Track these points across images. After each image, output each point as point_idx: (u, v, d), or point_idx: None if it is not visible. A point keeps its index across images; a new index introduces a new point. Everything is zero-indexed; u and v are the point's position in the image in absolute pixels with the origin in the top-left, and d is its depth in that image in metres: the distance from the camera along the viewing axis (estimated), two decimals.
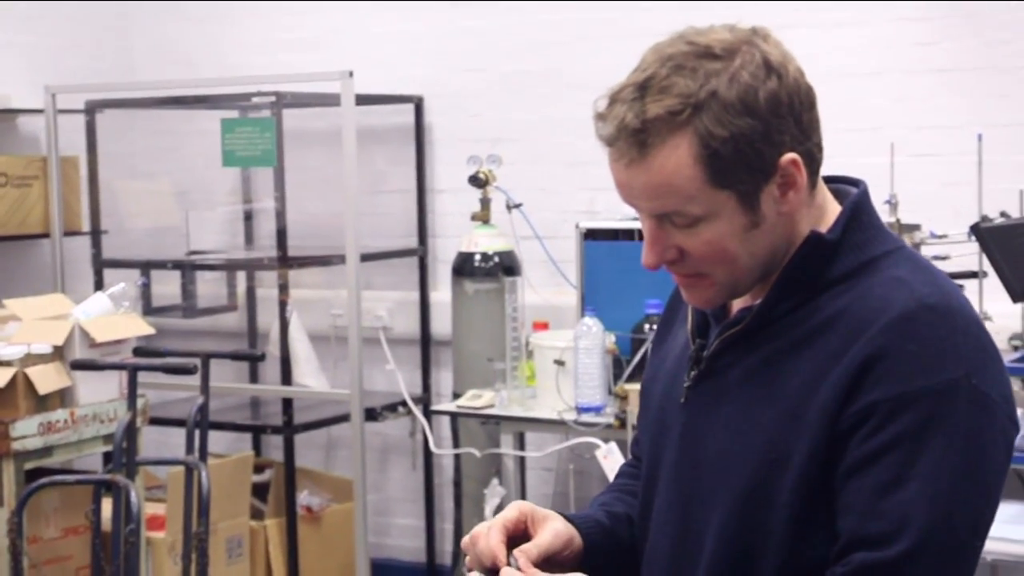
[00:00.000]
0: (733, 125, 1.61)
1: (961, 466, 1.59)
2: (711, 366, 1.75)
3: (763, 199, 1.65)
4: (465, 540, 1.78)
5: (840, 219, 1.71)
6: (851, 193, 1.75)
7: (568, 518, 1.83)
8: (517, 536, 1.78)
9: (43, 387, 4.30)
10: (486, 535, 1.75)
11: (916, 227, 4.17)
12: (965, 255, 4.07)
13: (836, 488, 1.62)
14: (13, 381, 4.24)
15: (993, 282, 3.95)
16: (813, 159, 1.68)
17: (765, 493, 1.65)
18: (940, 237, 4.18)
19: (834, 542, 1.62)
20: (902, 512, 1.57)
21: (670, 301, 1.96)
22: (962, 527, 1.60)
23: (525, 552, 1.74)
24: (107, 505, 4.36)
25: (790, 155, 1.64)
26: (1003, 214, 4.07)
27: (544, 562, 1.75)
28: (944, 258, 4.05)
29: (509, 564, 1.73)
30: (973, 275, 4.01)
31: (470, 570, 1.78)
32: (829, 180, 1.77)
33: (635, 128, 1.62)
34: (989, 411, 1.62)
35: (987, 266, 3.98)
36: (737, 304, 1.77)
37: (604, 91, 1.67)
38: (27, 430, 4.25)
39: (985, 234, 3.83)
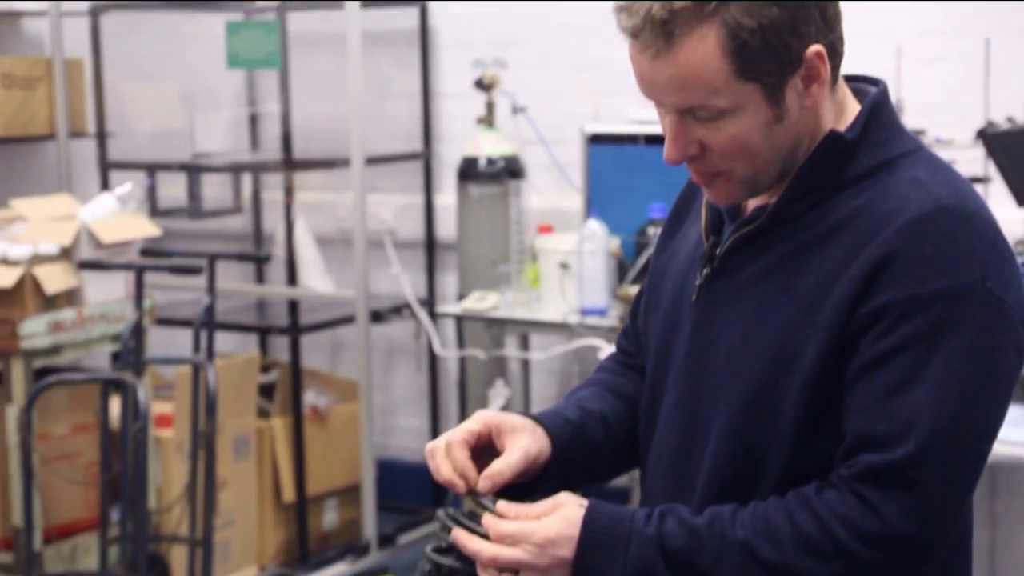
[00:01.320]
0: (761, 15, 1.59)
1: (971, 370, 1.59)
2: (724, 264, 1.74)
3: (787, 92, 1.63)
4: (429, 447, 1.76)
5: (859, 118, 1.70)
6: (870, 92, 1.73)
7: (536, 419, 1.82)
8: (480, 448, 1.76)
9: (51, 287, 4.32)
10: (448, 452, 1.73)
11: (922, 132, 4.17)
12: (971, 160, 4.07)
13: (845, 389, 1.62)
14: (21, 281, 4.27)
15: (998, 187, 3.97)
16: (836, 52, 1.67)
17: (774, 392, 1.65)
18: (946, 142, 4.18)
19: (840, 443, 1.62)
20: (909, 414, 1.57)
21: (680, 196, 1.93)
22: (969, 431, 1.60)
23: (493, 477, 1.71)
24: (115, 404, 4.41)
25: (815, 47, 1.63)
26: (1009, 120, 4.07)
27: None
28: (950, 163, 4.05)
29: (476, 488, 1.71)
30: (979, 180, 4.01)
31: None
32: (848, 79, 1.75)
33: (662, 19, 1.59)
34: (1003, 316, 1.61)
35: (993, 171, 3.99)
36: (752, 202, 1.75)
37: None
38: (35, 329, 4.28)
39: (991, 140, 3.83)
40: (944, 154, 4.04)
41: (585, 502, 1.67)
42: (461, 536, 1.67)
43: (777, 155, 1.67)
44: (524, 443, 1.77)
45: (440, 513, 1.71)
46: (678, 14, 1.59)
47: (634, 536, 1.64)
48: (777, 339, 1.66)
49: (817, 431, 1.64)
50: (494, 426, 1.77)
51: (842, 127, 1.69)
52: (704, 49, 1.60)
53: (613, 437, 1.89)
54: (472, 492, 1.73)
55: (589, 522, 1.65)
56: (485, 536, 1.66)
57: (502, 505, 1.68)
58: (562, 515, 1.65)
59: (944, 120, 4.35)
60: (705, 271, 1.76)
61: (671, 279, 1.85)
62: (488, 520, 1.66)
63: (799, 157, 1.69)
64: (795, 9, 1.61)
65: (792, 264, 1.67)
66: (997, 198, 3.95)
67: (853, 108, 1.72)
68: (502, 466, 1.73)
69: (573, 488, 1.85)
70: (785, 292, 1.67)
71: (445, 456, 1.74)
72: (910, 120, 4.23)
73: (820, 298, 1.63)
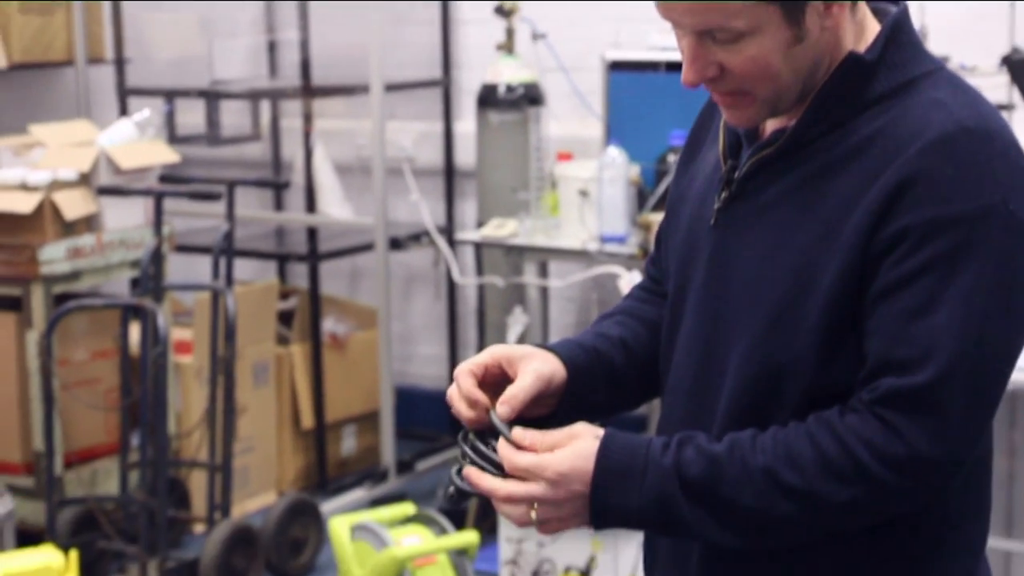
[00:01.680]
0: None
1: (994, 293, 1.57)
2: (742, 188, 1.71)
3: (808, 13, 1.60)
4: (447, 394, 1.76)
5: (879, 38, 1.66)
6: (890, 12, 1.70)
7: (549, 348, 1.80)
8: (494, 383, 1.74)
9: (70, 212, 4.33)
10: (458, 388, 1.72)
11: (946, 59, 4.13)
12: (995, 87, 4.04)
13: (865, 312, 1.60)
14: (40, 207, 4.27)
15: (1023, 114, 3.94)
16: None
17: (793, 316, 1.64)
18: (970, 69, 4.14)
19: (861, 367, 1.61)
20: (931, 338, 1.56)
21: (698, 119, 1.90)
22: (992, 354, 1.58)
23: (509, 401, 1.69)
24: (135, 330, 4.42)
25: None
26: None
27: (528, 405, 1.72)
28: None
29: (489, 414, 1.70)
30: (1003, 108, 3.98)
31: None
32: None
33: None
34: None
35: (1017, 98, 3.96)
36: (770, 125, 1.72)
37: None
38: (55, 255, 4.29)
39: (1016, 66, 3.80)
40: (968, 81, 3.99)
41: (601, 432, 1.66)
42: (474, 475, 1.66)
43: (797, 76, 1.64)
44: (535, 366, 1.74)
45: (461, 439, 1.70)
46: None
47: (650, 467, 1.62)
48: (797, 263, 1.64)
49: (837, 355, 1.63)
50: (503, 357, 1.75)
51: (862, 48, 1.66)
52: None
53: (636, 361, 1.87)
54: (485, 426, 1.71)
55: (603, 455, 1.63)
56: (500, 466, 1.65)
57: (518, 432, 1.66)
58: (575, 448, 1.63)
59: (968, 47, 4.30)
60: (723, 195, 1.74)
61: (690, 204, 1.82)
62: (503, 451, 1.65)
63: (819, 79, 1.66)
64: None
65: (811, 187, 1.65)
66: (1022, 124, 3.92)
67: (873, 29, 1.69)
68: (516, 389, 1.71)
69: (600, 415, 1.84)
70: (805, 215, 1.65)
71: (459, 396, 1.73)
72: (934, 46, 4.18)
73: (840, 221, 1.61)
